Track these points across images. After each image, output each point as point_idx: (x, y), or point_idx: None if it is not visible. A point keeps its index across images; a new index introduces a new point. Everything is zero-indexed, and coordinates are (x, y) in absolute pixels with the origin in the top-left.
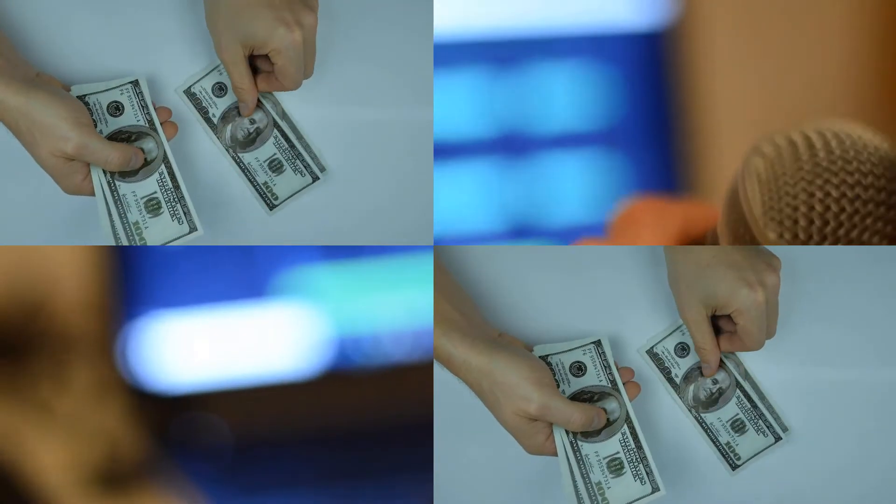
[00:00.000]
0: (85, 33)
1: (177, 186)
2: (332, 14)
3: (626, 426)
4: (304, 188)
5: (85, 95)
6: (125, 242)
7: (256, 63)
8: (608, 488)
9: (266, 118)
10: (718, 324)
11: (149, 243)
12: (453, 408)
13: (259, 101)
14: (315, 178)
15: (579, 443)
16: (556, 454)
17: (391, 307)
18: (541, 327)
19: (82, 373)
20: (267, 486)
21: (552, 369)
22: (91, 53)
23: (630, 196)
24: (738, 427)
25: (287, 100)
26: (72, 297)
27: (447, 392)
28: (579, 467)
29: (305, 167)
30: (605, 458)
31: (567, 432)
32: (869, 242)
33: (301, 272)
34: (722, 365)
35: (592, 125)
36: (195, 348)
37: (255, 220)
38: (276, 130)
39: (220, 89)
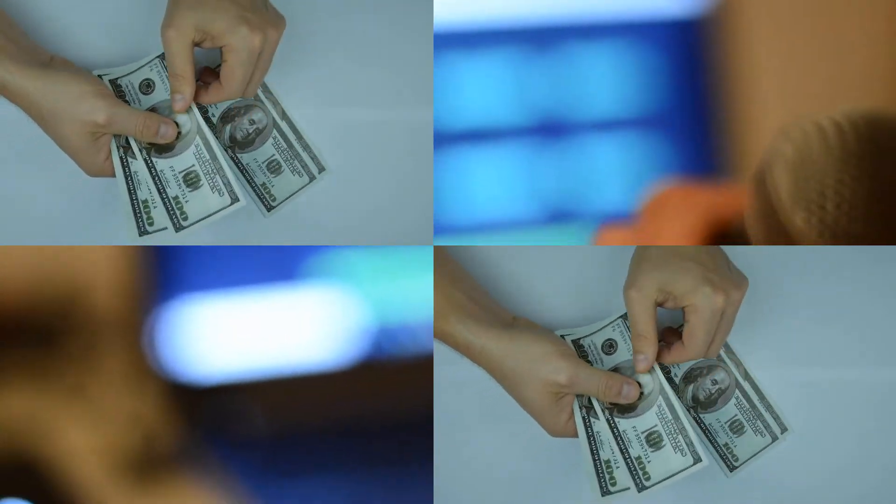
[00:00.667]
0: (96, 19)
1: (214, 157)
2: (333, 14)
3: (661, 398)
4: (301, 189)
5: (117, 79)
6: (161, 217)
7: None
8: (648, 462)
9: (266, 119)
10: (661, 334)
11: (190, 217)
12: (454, 403)
13: (260, 101)
14: (312, 178)
15: (616, 419)
16: (576, 435)
17: (422, 294)
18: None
19: (117, 360)
20: (300, 474)
21: (584, 350)
22: (102, 42)
23: (659, 182)
24: (736, 428)
25: (287, 99)
26: (107, 284)
27: (448, 387)
28: (618, 443)
29: (303, 167)
30: (643, 433)
31: (601, 411)
32: None
33: (333, 256)
34: (722, 365)
35: (631, 110)
36: (228, 334)
37: (255, 220)
38: (275, 131)
39: (147, 86)
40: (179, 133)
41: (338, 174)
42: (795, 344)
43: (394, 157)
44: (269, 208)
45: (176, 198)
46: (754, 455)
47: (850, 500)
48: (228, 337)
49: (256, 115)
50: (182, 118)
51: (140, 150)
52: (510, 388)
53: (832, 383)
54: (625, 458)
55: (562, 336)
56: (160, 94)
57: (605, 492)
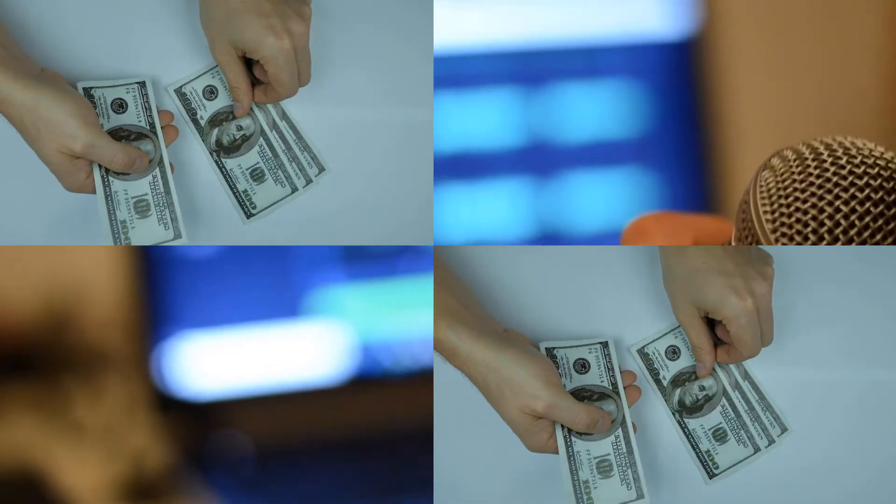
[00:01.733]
0: (88, 32)
1: (168, 192)
2: (333, 16)
3: (620, 430)
4: (282, 199)
5: (91, 88)
6: (140, 237)
7: (253, 73)
8: (595, 488)
9: (254, 125)
10: (716, 334)
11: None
12: (454, 410)
13: (252, 108)
14: (294, 190)
15: (573, 438)
16: (556, 452)
17: (412, 320)
18: (543, 326)
19: (113, 389)
20: (292, 500)
21: (556, 363)
22: (93, 52)
23: (641, 211)
24: (719, 436)
25: (287, 100)
26: (103, 314)
27: (449, 394)
28: (569, 463)
29: (286, 178)
30: (595, 458)
31: (563, 427)
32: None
33: (325, 291)
34: (713, 372)
35: (620, 137)
36: (222, 364)
37: (254, 220)
38: (262, 139)
39: (210, 92)
40: (150, 161)
41: (338, 174)
42: (792, 344)
43: (394, 157)
44: (249, 216)
45: (123, 222)
46: (735, 464)
47: (846, 499)
48: (224, 368)
49: (244, 121)
50: (147, 147)
51: (211, 154)
52: (491, 402)
53: (829, 384)
54: (696, 452)
55: (548, 348)
56: (130, 118)
57: None
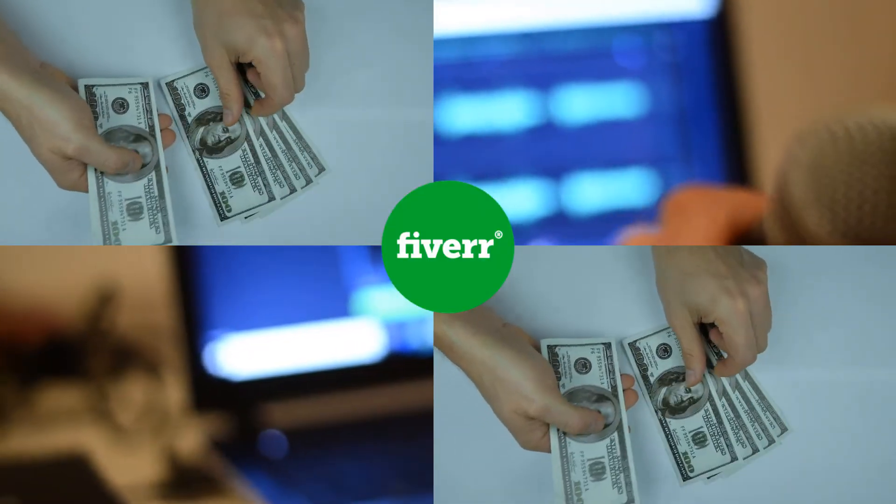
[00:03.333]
0: (90, 26)
1: (162, 196)
2: (333, 16)
3: (616, 433)
4: (258, 206)
5: (93, 86)
6: (131, 239)
7: (248, 81)
8: (586, 490)
9: (240, 129)
10: (710, 342)
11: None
12: (456, 404)
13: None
14: (271, 199)
15: (567, 439)
16: (549, 451)
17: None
18: (544, 325)
19: (151, 390)
20: (332, 498)
21: (558, 361)
22: (95, 47)
23: (681, 185)
24: (699, 440)
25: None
26: (143, 313)
27: (450, 388)
28: (562, 464)
29: (265, 185)
30: (588, 460)
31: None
32: None
33: (359, 294)
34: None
35: (642, 116)
36: (259, 364)
37: (255, 221)
38: (246, 144)
39: (201, 91)
40: (146, 164)
41: (338, 174)
42: (792, 344)
43: (393, 157)
44: (223, 218)
45: (115, 223)
46: (710, 470)
47: (845, 499)
48: (260, 366)
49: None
50: (145, 149)
51: (193, 151)
52: (486, 399)
53: (829, 384)
54: (674, 454)
55: (550, 346)
56: (130, 119)
57: None
